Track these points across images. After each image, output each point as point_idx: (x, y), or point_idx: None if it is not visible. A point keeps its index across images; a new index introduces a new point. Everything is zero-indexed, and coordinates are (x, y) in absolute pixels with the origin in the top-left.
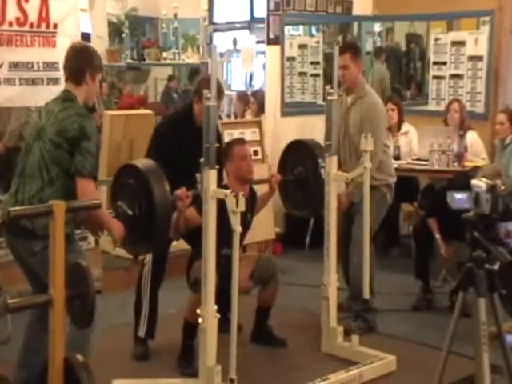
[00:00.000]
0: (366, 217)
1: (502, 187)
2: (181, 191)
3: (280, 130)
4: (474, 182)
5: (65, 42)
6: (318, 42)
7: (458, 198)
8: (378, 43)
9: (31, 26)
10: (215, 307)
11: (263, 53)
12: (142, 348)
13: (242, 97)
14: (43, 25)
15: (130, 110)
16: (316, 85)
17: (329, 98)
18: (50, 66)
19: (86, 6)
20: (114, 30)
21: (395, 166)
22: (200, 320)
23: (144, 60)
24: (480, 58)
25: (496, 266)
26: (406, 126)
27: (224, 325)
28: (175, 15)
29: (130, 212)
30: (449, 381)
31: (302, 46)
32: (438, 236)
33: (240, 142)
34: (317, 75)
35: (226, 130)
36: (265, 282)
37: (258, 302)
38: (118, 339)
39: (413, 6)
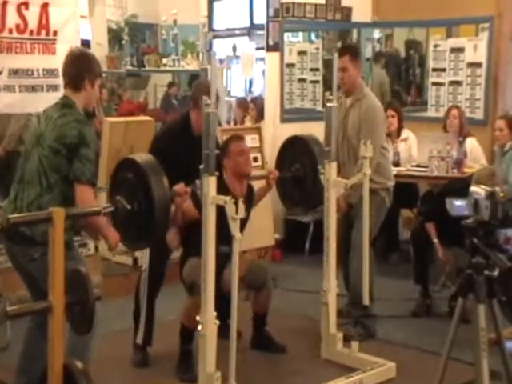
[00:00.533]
0: (366, 222)
1: (502, 194)
2: (179, 186)
3: (279, 137)
4: (472, 188)
5: (65, 48)
6: (317, 49)
7: (458, 205)
8: (378, 49)
9: (31, 33)
10: (215, 313)
11: (263, 59)
12: (142, 355)
13: (242, 103)
14: (43, 32)
15: (129, 117)
16: (315, 91)
17: (328, 104)
18: (50, 72)
19: (86, 12)
20: (114, 36)
21: (395, 172)
22: (199, 326)
23: (144, 66)
24: (479, 65)
25: (495, 273)
26: (405, 133)
27: (223, 331)
28: (175, 22)
29: (128, 206)
30: None
31: (302, 53)
32: (435, 240)
33: (237, 137)
34: (316, 81)
35: (225, 137)
36: (255, 288)
37: (252, 310)
38: (118, 346)
39: (412, 12)
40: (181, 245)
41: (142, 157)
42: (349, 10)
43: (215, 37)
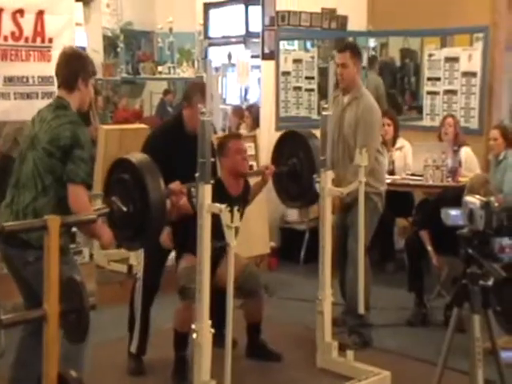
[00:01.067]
0: (361, 232)
1: (496, 204)
2: (175, 185)
3: None
4: (467, 198)
5: None
6: (312, 57)
7: (453, 215)
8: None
9: (26, 40)
10: (209, 322)
11: (258, 67)
12: (137, 363)
13: (237, 111)
14: (38, 39)
15: (125, 125)
16: (311, 99)
17: (324, 113)
18: (45, 80)
19: (82, 20)
20: (110, 43)
21: (390, 180)
22: (194, 335)
23: (139, 74)
24: (474, 74)
25: (490, 282)
26: (400, 141)
27: (218, 340)
28: (170, 29)
29: (124, 208)
30: None
31: (297, 61)
32: (429, 248)
33: (236, 136)
34: (311, 90)
35: None
36: (245, 294)
37: (245, 320)
38: (113, 354)
39: (407, 21)
40: (174, 243)
41: (137, 156)
42: (344, 18)
43: (211, 45)
